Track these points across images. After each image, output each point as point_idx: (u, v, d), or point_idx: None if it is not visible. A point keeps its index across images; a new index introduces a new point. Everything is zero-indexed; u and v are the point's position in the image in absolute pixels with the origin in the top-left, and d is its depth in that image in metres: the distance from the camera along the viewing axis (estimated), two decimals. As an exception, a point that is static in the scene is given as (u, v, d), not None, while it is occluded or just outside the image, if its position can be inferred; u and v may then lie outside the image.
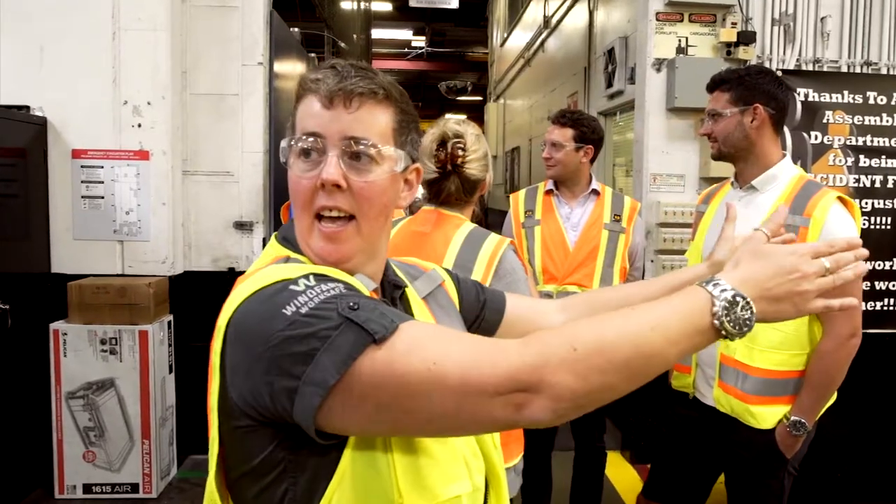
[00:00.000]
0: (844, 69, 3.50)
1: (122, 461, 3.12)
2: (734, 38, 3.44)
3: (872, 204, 3.12)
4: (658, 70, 3.53)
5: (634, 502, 2.31)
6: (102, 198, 3.30)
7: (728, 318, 0.76)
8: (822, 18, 3.54)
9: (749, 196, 1.94)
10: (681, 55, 3.48)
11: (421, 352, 0.71)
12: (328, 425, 0.71)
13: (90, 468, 3.11)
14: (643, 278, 3.09)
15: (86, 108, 3.26)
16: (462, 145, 1.65)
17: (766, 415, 1.83)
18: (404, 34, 16.59)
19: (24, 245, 3.18)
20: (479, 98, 17.25)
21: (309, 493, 0.76)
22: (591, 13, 5.46)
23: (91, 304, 3.07)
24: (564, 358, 0.70)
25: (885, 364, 3.18)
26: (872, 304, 3.10)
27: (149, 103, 3.29)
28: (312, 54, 5.45)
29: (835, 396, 1.88)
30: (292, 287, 0.74)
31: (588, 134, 2.65)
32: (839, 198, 1.81)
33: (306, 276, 0.77)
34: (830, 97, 3.10)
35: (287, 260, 0.86)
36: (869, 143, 3.13)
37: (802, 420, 1.80)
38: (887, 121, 3.12)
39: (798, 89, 3.14)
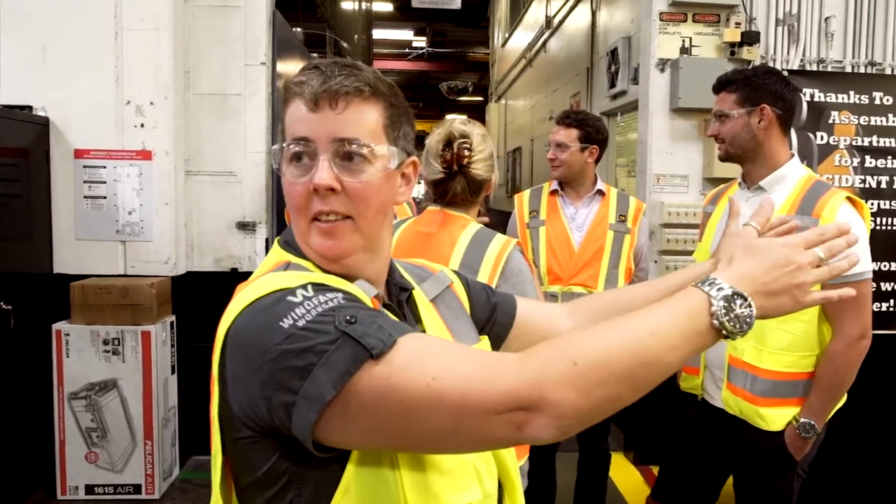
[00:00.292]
0: (849, 69, 3.49)
1: (124, 462, 3.11)
2: (738, 39, 3.43)
3: (878, 205, 3.11)
4: (662, 70, 3.52)
5: (638, 502, 2.30)
6: (105, 198, 3.29)
7: (727, 318, 0.75)
8: (826, 18, 3.53)
9: (757, 197, 1.92)
10: (684, 55, 3.47)
11: (420, 366, 0.69)
12: (326, 439, 0.71)
13: (92, 469, 3.10)
14: (648, 279, 3.08)
15: (88, 108, 3.25)
16: (468, 145, 1.64)
17: (775, 417, 1.82)
18: (405, 34, 16.60)
19: (27, 245, 3.17)
20: (481, 98, 17.25)
21: (316, 499, 0.75)
22: (593, 13, 5.45)
23: (93, 305, 3.06)
24: (565, 374, 0.68)
25: (892, 365, 3.17)
26: (879, 305, 3.09)
27: (151, 103, 3.28)
28: (315, 54, 5.44)
29: (844, 398, 1.87)
30: (290, 298, 0.73)
31: (593, 134, 2.64)
32: (848, 198, 1.80)
33: (304, 287, 0.75)
34: (836, 97, 3.09)
35: (287, 266, 0.85)
36: (875, 144, 3.12)
37: (812, 422, 1.79)
38: (894, 121, 3.11)
39: (803, 89, 3.13)
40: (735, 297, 0.75)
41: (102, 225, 3.28)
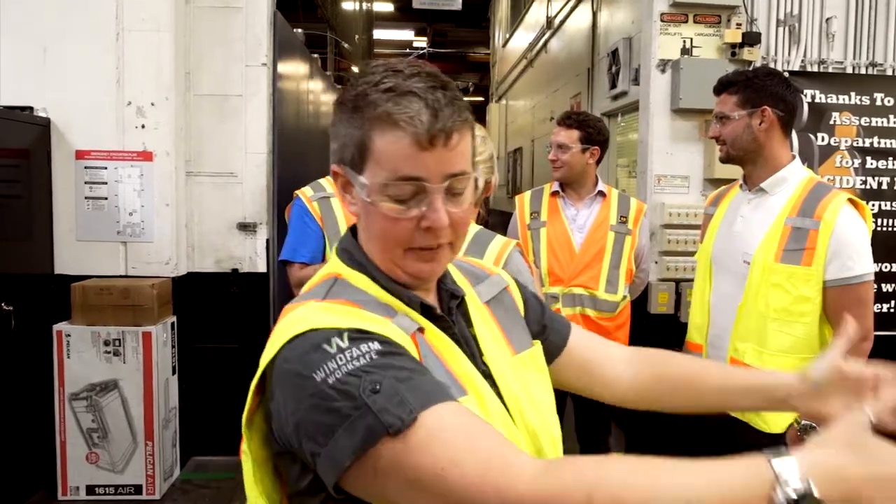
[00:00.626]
0: (850, 70, 3.49)
1: (125, 462, 3.11)
2: (739, 39, 3.43)
3: (879, 206, 3.11)
4: (662, 71, 3.52)
5: None
6: (106, 199, 3.29)
7: None
8: (827, 19, 3.53)
9: (758, 198, 1.93)
10: (685, 56, 3.47)
11: (433, 451, 0.67)
12: (348, 490, 0.72)
13: (93, 469, 3.10)
14: (648, 280, 3.08)
15: (89, 109, 3.26)
16: (469, 147, 1.64)
17: (776, 419, 1.82)
18: (406, 35, 16.60)
19: (27, 246, 3.17)
20: (481, 99, 17.25)
21: None
22: (594, 14, 5.45)
23: (94, 306, 3.06)
24: None
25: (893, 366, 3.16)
26: (879, 307, 3.09)
27: (152, 104, 3.28)
28: (315, 55, 5.44)
29: (844, 400, 1.87)
30: (325, 347, 0.72)
31: (594, 135, 2.65)
32: (850, 199, 1.80)
33: (340, 335, 0.73)
34: (837, 98, 3.10)
35: (335, 282, 0.85)
36: (876, 145, 3.12)
37: (813, 425, 1.78)
38: (894, 122, 3.11)
39: (804, 90, 3.14)
40: (806, 497, 0.61)
41: (103, 226, 3.29)
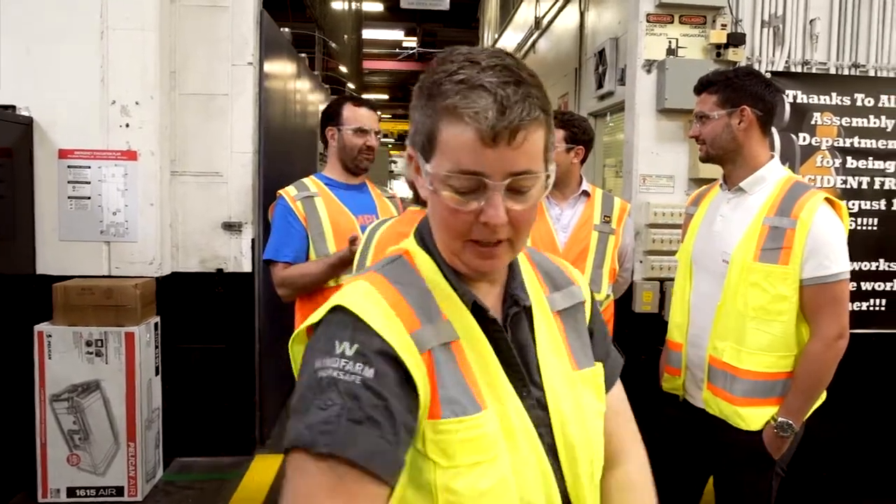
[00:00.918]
0: (833, 71, 3.51)
1: (107, 464, 3.09)
2: (724, 40, 3.45)
3: (859, 205, 3.13)
4: (648, 71, 3.53)
5: None
6: (89, 198, 3.27)
7: None
8: (811, 21, 3.55)
9: (737, 198, 1.94)
10: (671, 56, 3.48)
11: (296, 491, 0.73)
12: None
13: (74, 471, 3.08)
14: (632, 279, 3.09)
15: (73, 108, 3.23)
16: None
17: (753, 416, 1.83)
18: (395, 35, 16.60)
19: (9, 246, 3.14)
20: (471, 99, 17.23)
21: None
22: (581, 14, 5.47)
23: (76, 306, 3.04)
24: None
25: (871, 364, 3.19)
26: (859, 305, 3.12)
27: (137, 103, 3.26)
28: (303, 54, 5.43)
29: (823, 397, 1.89)
30: (336, 344, 0.78)
31: (579, 135, 2.65)
32: (827, 199, 1.81)
33: (352, 342, 0.78)
34: (819, 99, 3.11)
35: (399, 258, 0.90)
36: (856, 145, 3.14)
37: (789, 421, 1.80)
38: (874, 122, 3.14)
39: (787, 91, 3.16)
40: None
41: (86, 225, 3.26)
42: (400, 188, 12.07)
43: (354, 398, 0.75)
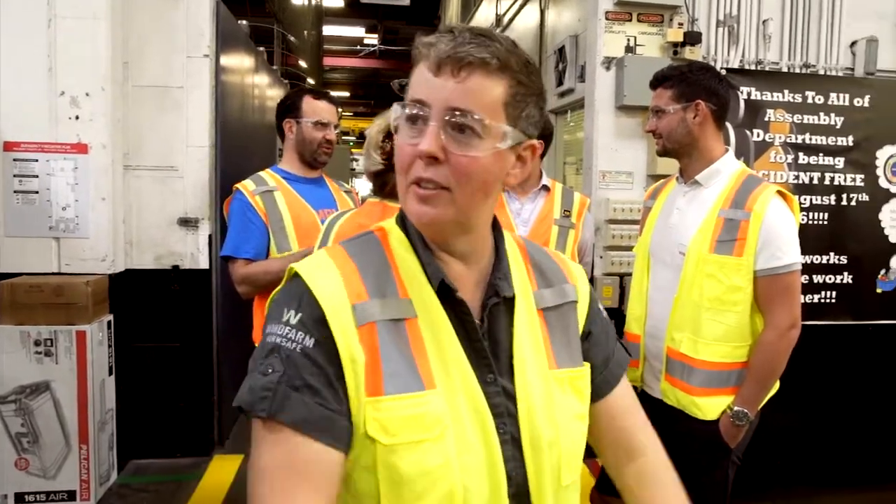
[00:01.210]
0: (785, 70, 3.61)
1: (57, 468, 2.99)
2: (681, 39, 3.51)
3: (810, 200, 3.23)
4: (607, 68, 3.57)
5: (586, 496, 2.32)
6: (37, 193, 3.16)
7: None
8: (763, 21, 3.64)
9: (693, 191, 1.97)
10: (629, 54, 3.53)
11: (263, 458, 0.78)
12: None
13: (23, 476, 2.97)
14: (592, 274, 3.12)
15: (18, 99, 3.11)
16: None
17: (710, 406, 1.86)
18: (356, 31, 16.46)
19: (-48, 242, 3.01)
20: (433, 97, 17.23)
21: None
22: (542, 12, 5.50)
23: (24, 304, 2.93)
24: None
25: (822, 354, 3.29)
26: (811, 297, 3.21)
27: (87, 94, 3.16)
28: (262, 49, 5.34)
29: (777, 386, 1.93)
30: (284, 311, 0.83)
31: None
32: (779, 192, 1.85)
33: (298, 309, 0.82)
34: (772, 96, 3.19)
35: (367, 235, 0.92)
36: (807, 141, 3.23)
37: (745, 410, 1.84)
38: (824, 120, 3.23)
39: (741, 88, 3.22)
40: None
41: (34, 221, 3.15)
42: (361, 186, 11.99)
43: (294, 365, 0.79)
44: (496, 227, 0.94)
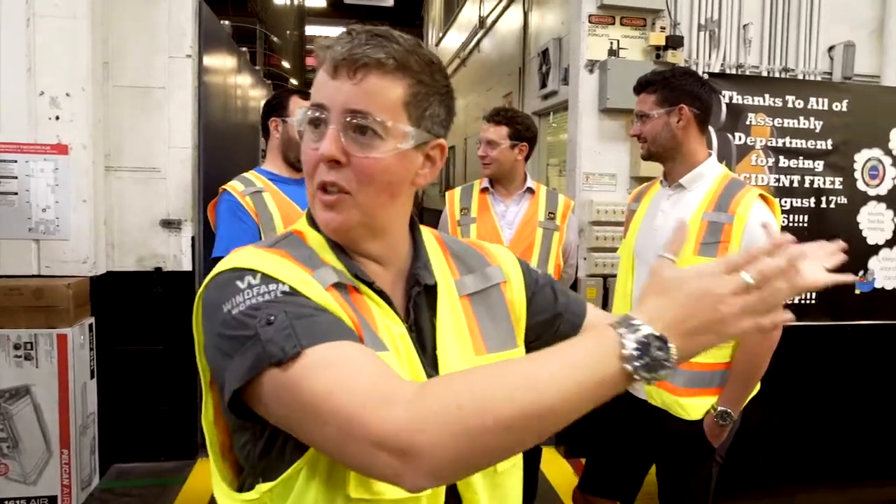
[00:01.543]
0: (765, 74, 3.66)
1: (38, 473, 2.95)
2: (663, 42, 3.55)
3: (791, 202, 3.27)
4: (591, 71, 3.60)
5: (569, 496, 2.34)
6: (16, 194, 3.11)
7: (641, 362, 0.67)
8: (744, 25, 3.69)
9: (677, 194, 1.99)
10: (612, 57, 3.56)
11: (319, 379, 0.69)
12: (254, 411, 0.75)
13: (2, 482, 2.92)
14: (577, 275, 3.14)
15: (-4, 99, 3.07)
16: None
17: (694, 406, 1.89)
18: (339, 32, 16.43)
19: (-72, 244, 2.96)
20: (416, 97, 17.23)
21: (265, 458, 0.80)
22: (525, 14, 5.53)
23: (3, 307, 2.89)
24: (446, 420, 0.65)
25: (802, 354, 3.34)
26: (791, 298, 3.25)
27: (67, 95, 3.12)
28: (244, 48, 5.30)
29: (758, 387, 1.96)
30: (237, 283, 0.77)
31: (522, 131, 2.67)
32: (761, 195, 1.88)
33: (254, 274, 0.77)
34: (753, 100, 3.23)
35: (287, 236, 0.89)
36: (788, 145, 3.28)
37: (728, 410, 1.86)
38: (804, 123, 3.28)
39: (723, 91, 3.27)
40: (651, 338, 0.67)
41: (13, 223, 3.10)
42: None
43: (288, 303, 0.74)
44: (413, 224, 0.94)
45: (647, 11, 3.60)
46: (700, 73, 3.29)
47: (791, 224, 3.28)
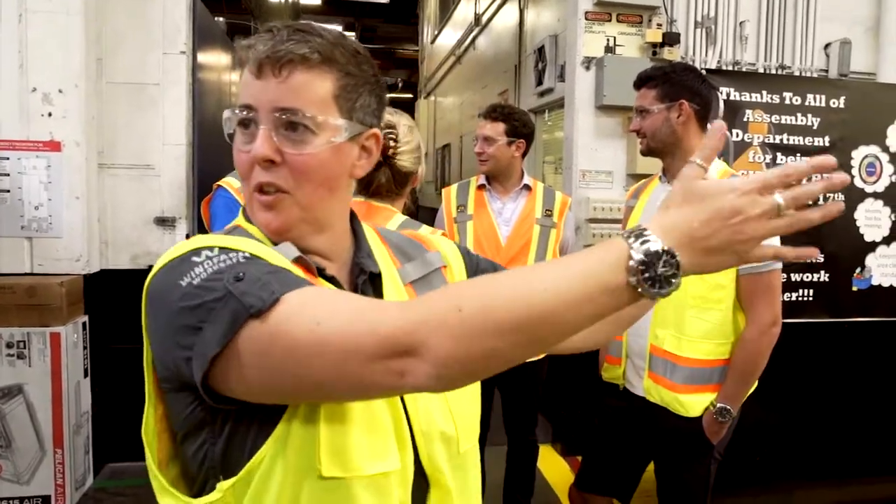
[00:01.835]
0: (761, 71, 3.66)
1: (31, 473, 2.92)
2: (660, 39, 3.54)
3: (788, 200, 3.27)
4: (587, 68, 3.59)
5: (566, 493, 2.33)
6: (8, 191, 3.08)
7: (645, 276, 0.64)
8: (740, 23, 3.69)
9: (676, 190, 1.98)
10: (609, 54, 3.55)
11: (304, 314, 0.68)
12: (226, 391, 0.72)
13: (-4, 481, 2.90)
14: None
15: (-12, 96, 3.04)
16: (394, 136, 1.62)
17: (693, 403, 1.88)
18: (334, 29, 16.37)
19: (-81, 242, 2.93)
20: (410, 95, 17.21)
21: (228, 452, 0.76)
22: (521, 11, 5.51)
23: (-4, 305, 2.86)
24: (445, 319, 0.64)
25: (800, 351, 3.34)
26: (789, 295, 3.25)
27: (60, 91, 3.09)
28: (238, 45, 5.27)
29: (756, 384, 1.95)
30: (193, 258, 0.74)
31: (519, 128, 2.66)
32: (760, 192, 1.87)
33: (210, 248, 0.75)
34: (750, 97, 3.23)
35: (234, 229, 0.86)
36: (785, 142, 3.27)
37: (728, 407, 1.85)
38: (801, 120, 3.28)
39: (720, 88, 3.26)
40: (660, 253, 0.64)
41: (6, 220, 3.07)
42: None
43: (253, 263, 0.73)
44: (353, 217, 0.94)
45: (644, 8, 3.59)
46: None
47: (788, 221, 3.28)
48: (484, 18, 7.05)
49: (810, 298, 3.32)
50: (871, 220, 3.40)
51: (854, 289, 3.40)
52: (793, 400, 3.42)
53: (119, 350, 3.37)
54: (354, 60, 0.83)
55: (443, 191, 2.84)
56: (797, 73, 3.70)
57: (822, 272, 3.33)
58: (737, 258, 0.68)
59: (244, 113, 0.80)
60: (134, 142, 3.38)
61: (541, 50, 4.44)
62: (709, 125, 2.72)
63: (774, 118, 3.24)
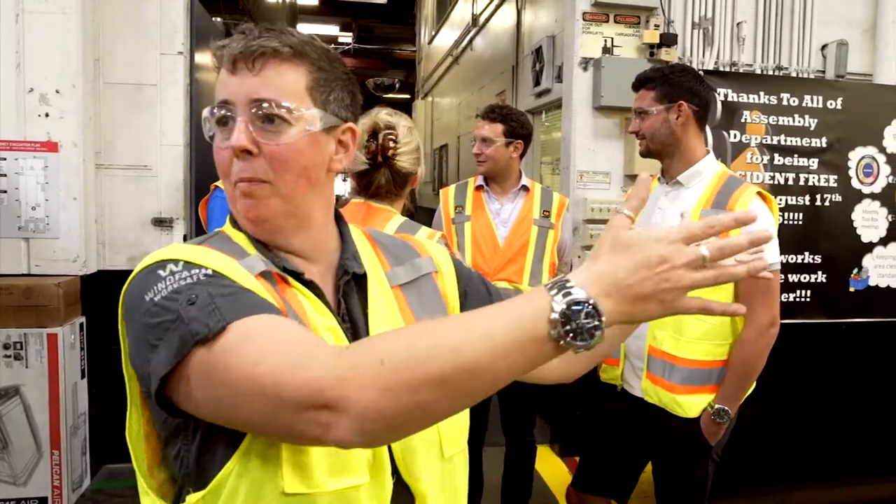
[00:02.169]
0: (758, 71, 3.66)
1: (28, 474, 2.91)
2: (657, 40, 3.55)
3: (786, 200, 3.27)
4: (585, 69, 3.59)
5: (563, 494, 2.33)
6: (5, 192, 3.07)
7: (566, 328, 0.64)
8: (738, 23, 3.69)
9: (675, 191, 1.98)
10: (606, 55, 3.55)
11: (244, 351, 0.68)
12: (180, 406, 0.73)
13: (-8, 483, 2.90)
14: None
15: (-15, 96, 3.03)
16: (394, 137, 1.62)
17: (691, 404, 1.88)
18: (331, 30, 16.33)
19: (-85, 243, 2.92)
20: (408, 96, 17.20)
21: (200, 461, 0.77)
22: (518, 12, 5.52)
23: (-8, 307, 2.85)
24: (372, 373, 0.63)
25: (797, 352, 3.34)
26: (786, 296, 3.25)
27: (57, 91, 3.08)
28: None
29: (754, 385, 1.95)
30: (159, 271, 0.75)
31: (518, 129, 2.66)
32: (759, 192, 1.87)
33: (176, 262, 0.76)
34: (748, 98, 3.23)
35: (214, 235, 0.87)
36: (783, 143, 3.28)
37: (726, 408, 1.86)
38: (799, 121, 3.28)
39: (718, 89, 3.26)
40: (580, 304, 0.64)
41: (2, 221, 3.06)
42: (339, 186, 11.90)
43: (211, 283, 0.73)
44: (339, 218, 0.94)
45: (641, 9, 3.59)
46: (695, 70, 3.29)
47: (786, 222, 3.28)
48: (481, 19, 7.05)
49: (808, 299, 3.32)
50: (868, 220, 3.41)
51: (851, 289, 3.40)
52: (791, 401, 3.43)
53: (116, 351, 3.33)
54: (326, 57, 0.85)
55: (440, 192, 2.84)
56: (794, 75, 3.71)
57: (820, 273, 3.33)
58: (663, 308, 0.68)
59: (222, 110, 0.81)
60: (131, 142, 3.37)
61: (538, 51, 4.44)
62: (708, 126, 2.73)
63: (772, 119, 3.24)
